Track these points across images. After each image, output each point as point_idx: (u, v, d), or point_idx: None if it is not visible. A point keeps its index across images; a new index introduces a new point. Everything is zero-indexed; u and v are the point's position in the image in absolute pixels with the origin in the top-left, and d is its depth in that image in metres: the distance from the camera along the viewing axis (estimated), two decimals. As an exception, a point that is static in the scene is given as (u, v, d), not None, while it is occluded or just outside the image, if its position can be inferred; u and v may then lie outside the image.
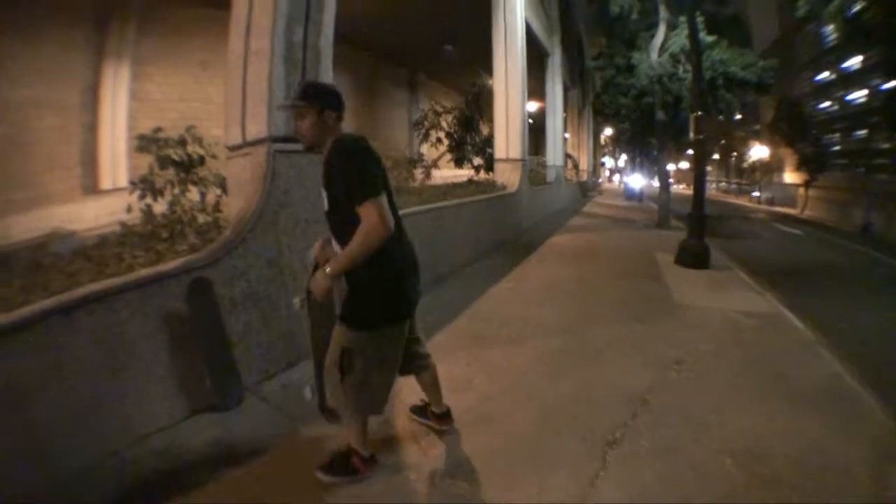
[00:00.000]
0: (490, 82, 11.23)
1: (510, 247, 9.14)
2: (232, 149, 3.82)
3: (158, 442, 2.82)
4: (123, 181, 10.18)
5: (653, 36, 13.73)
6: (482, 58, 11.25)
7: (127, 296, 2.74)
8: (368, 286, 2.16)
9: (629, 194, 28.03)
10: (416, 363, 2.64)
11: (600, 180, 44.11)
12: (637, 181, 28.87)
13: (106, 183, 10.22)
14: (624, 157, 44.38)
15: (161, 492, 2.40)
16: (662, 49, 13.43)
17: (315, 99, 2.15)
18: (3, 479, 2.30)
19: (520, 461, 2.65)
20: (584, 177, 30.40)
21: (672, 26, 13.34)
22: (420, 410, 3.00)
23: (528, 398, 3.35)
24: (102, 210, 9.73)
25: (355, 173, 2.02)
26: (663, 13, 13.31)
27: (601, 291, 6.20)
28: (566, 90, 22.08)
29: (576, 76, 25.94)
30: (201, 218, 4.10)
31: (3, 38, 9.10)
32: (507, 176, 10.64)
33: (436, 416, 2.89)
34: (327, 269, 2.07)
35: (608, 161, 53.73)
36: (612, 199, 28.41)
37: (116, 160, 10.31)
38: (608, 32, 16.30)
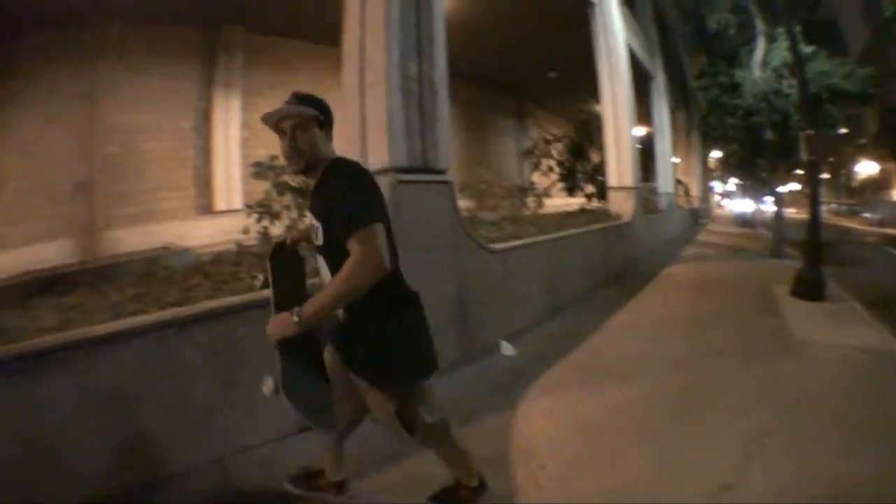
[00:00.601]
0: (597, 108, 11.10)
1: (625, 278, 8.92)
2: None
3: (262, 454, 2.96)
4: (237, 204, 10.90)
5: (752, 51, 13.11)
6: (587, 83, 11.17)
7: (248, 314, 2.90)
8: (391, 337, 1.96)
9: (740, 220, 27.21)
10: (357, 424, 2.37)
11: (711, 206, 42.20)
12: (748, 206, 27.88)
13: (220, 205, 11.00)
14: (733, 180, 42.07)
15: (257, 501, 2.54)
16: (764, 64, 12.76)
17: (319, 109, 1.89)
18: (105, 477, 2.52)
19: None
20: (695, 203, 29.27)
21: (771, 39, 12.67)
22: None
23: (643, 437, 3.23)
24: (216, 230, 10.45)
25: (360, 199, 1.77)
26: (760, 25, 12.70)
27: (717, 326, 5.94)
28: (671, 113, 21.37)
29: (679, 98, 25.08)
30: None
31: (114, 70, 10.19)
32: (621, 204, 10.46)
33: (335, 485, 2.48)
34: (298, 315, 1.75)
35: (717, 185, 51.15)
36: (724, 226, 27.33)
37: (231, 184, 11.07)
38: (707, 50, 15.69)
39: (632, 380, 4.19)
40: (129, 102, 10.35)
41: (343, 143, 3.97)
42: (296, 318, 1.74)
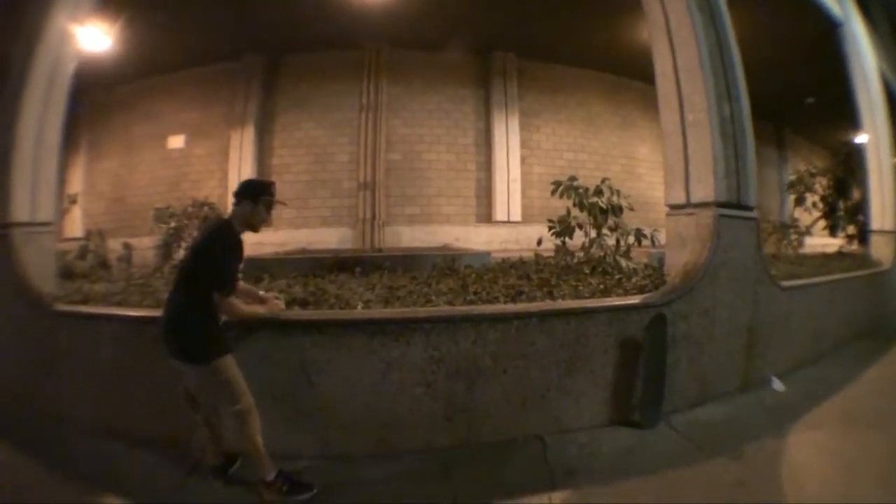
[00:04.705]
0: (858, 138, 10.11)
1: (880, 331, 8.11)
2: (673, 206, 4.45)
3: (579, 438, 3.49)
4: (515, 216, 12.01)
5: None
6: (846, 110, 10.22)
7: (598, 316, 3.50)
8: None
9: None
10: None
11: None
12: None
13: (499, 215, 12.03)
14: None
15: (571, 476, 3.03)
16: None
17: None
18: (428, 432, 3.29)
19: None
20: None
21: None
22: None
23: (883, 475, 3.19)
24: (493, 237, 11.70)
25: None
26: None
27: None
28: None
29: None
30: (623, 262, 4.82)
31: (395, 88, 11.90)
32: (882, 250, 9.42)
33: None
34: None
35: None
36: None
37: (512, 197, 12.08)
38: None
39: (884, 428, 4.01)
40: (410, 117, 12.04)
41: (668, 175, 4.46)
42: None
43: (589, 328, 3.49)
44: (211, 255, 2.71)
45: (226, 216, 2.96)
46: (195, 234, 2.66)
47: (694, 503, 2.80)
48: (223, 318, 2.78)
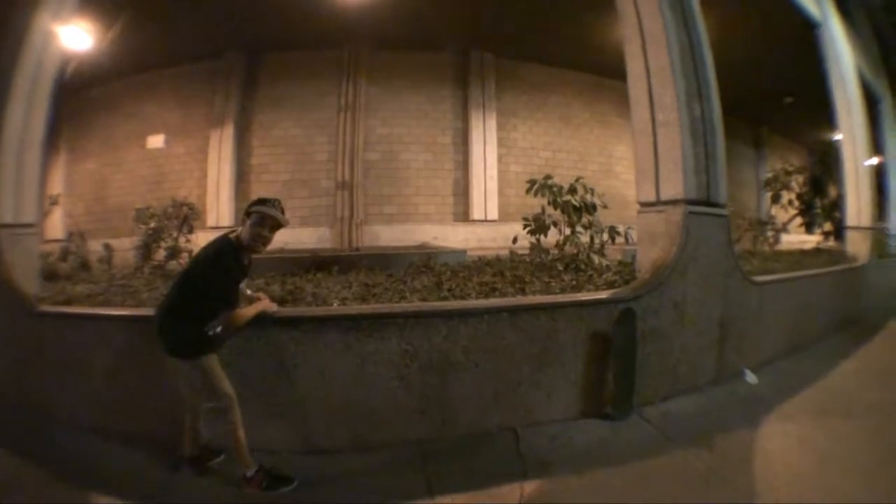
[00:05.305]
0: (834, 137, 10.30)
1: (855, 324, 8.25)
2: (644, 204, 4.54)
3: (551, 430, 3.57)
4: (493, 214, 12.18)
5: None
6: (824, 109, 10.41)
7: (567, 311, 3.58)
8: None
9: None
10: None
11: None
12: None
13: (476, 214, 12.20)
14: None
15: (544, 466, 3.11)
16: None
17: None
18: (403, 425, 3.36)
19: None
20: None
21: None
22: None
23: (859, 464, 3.29)
24: (471, 236, 11.87)
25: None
26: None
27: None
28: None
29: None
30: (596, 259, 4.91)
31: (374, 88, 11.99)
32: (858, 245, 9.66)
33: None
34: None
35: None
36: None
37: (489, 195, 12.24)
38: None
39: (857, 419, 4.13)
40: (389, 117, 12.15)
41: (638, 173, 4.55)
42: None
43: (558, 323, 3.56)
44: (214, 276, 2.75)
45: (229, 234, 2.94)
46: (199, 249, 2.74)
47: (664, 491, 2.87)
48: (217, 328, 2.82)
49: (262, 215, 2.81)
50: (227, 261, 2.80)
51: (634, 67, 4.74)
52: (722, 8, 6.35)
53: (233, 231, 2.94)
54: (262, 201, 2.86)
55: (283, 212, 2.90)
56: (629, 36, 4.76)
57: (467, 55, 12.55)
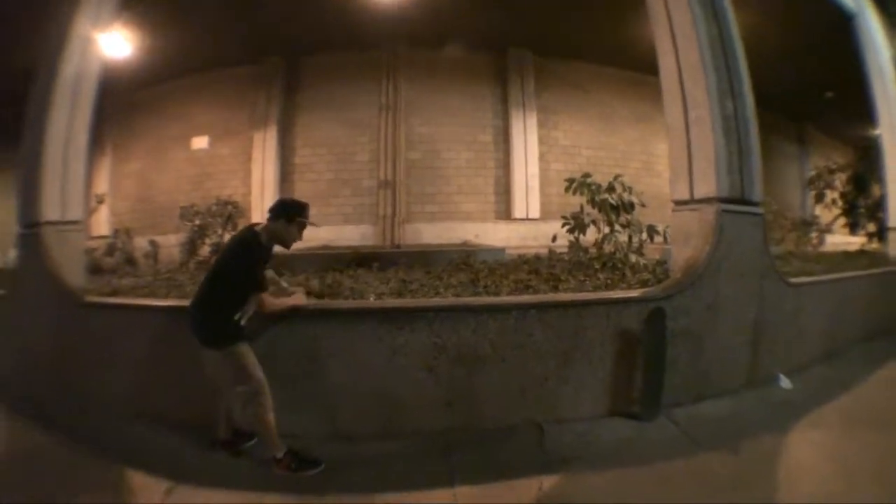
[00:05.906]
0: (876, 133, 9.89)
1: (892, 331, 7.98)
2: (678, 202, 4.50)
3: (576, 427, 3.58)
4: (534, 212, 12.11)
5: None
6: (866, 105, 10.02)
7: (595, 308, 3.60)
8: None
9: None
10: None
11: None
12: None
13: (517, 212, 12.12)
14: None
15: (565, 462, 3.13)
16: None
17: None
18: (430, 416, 3.44)
19: None
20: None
21: None
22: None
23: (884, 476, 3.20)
24: (512, 234, 11.81)
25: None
26: None
27: None
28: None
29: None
30: (633, 258, 4.89)
31: (414, 88, 12.09)
32: None
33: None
34: None
35: None
36: None
37: (530, 194, 12.17)
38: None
39: (888, 431, 3.96)
40: (429, 115, 12.21)
41: (673, 171, 4.52)
42: None
43: (586, 320, 3.58)
44: (242, 265, 2.97)
45: (254, 226, 3.19)
46: (226, 241, 2.89)
47: (684, 495, 2.85)
48: (249, 313, 3.02)
49: (305, 225, 3.20)
50: (257, 252, 3.03)
51: (666, 63, 4.71)
52: (753, 1, 6.18)
53: (257, 224, 3.19)
54: (301, 209, 3.19)
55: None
56: (660, 32, 4.74)
57: (505, 53, 12.51)
